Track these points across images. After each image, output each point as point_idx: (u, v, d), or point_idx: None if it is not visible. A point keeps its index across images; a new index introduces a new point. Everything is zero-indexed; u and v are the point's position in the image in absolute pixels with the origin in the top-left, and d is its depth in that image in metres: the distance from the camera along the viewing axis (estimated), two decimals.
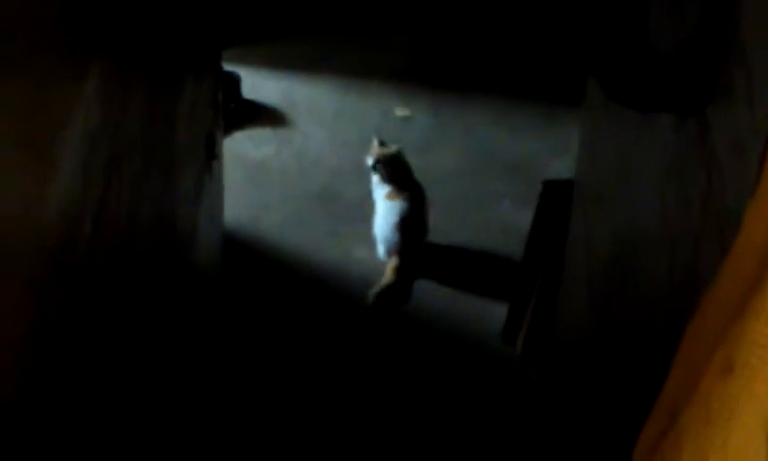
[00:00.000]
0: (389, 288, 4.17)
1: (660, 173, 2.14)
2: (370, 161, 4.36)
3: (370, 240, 4.33)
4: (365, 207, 4.42)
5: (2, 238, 1.30)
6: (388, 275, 4.20)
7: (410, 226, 4.25)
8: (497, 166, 4.89)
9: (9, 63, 1.29)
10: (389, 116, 5.18)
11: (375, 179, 4.37)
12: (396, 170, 4.34)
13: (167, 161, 2.54)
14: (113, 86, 1.86)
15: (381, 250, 4.30)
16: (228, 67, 5.11)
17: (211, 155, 3.31)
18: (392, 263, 4.23)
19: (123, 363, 2.12)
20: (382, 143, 4.40)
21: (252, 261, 4.31)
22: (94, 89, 1.68)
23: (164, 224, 2.55)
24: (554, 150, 4.87)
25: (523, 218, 3.78)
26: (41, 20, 1.41)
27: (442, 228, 4.43)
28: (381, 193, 4.34)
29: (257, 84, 5.30)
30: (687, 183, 1.87)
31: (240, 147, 4.92)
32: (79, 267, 1.68)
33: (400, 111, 5.21)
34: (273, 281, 4.22)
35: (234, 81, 5.12)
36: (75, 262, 1.65)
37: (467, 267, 4.33)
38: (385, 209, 4.29)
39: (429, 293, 4.22)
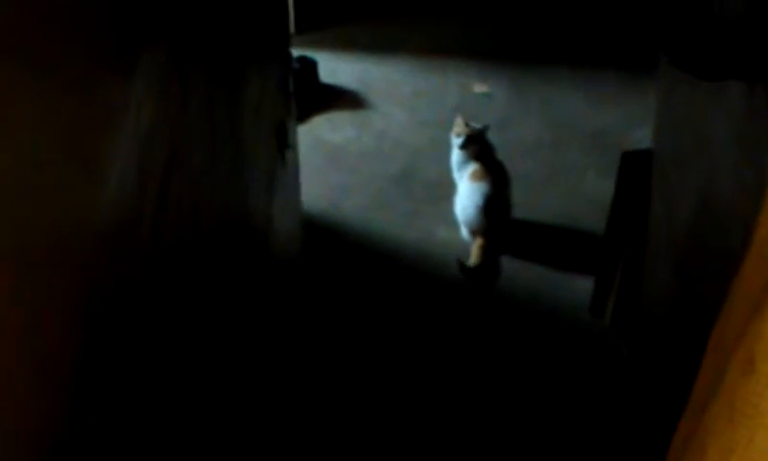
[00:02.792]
0: (477, 268, 4.14)
1: (732, 140, 2.09)
2: (456, 139, 4.32)
3: (452, 220, 4.30)
4: (446, 186, 4.39)
5: (53, 249, 1.29)
6: (475, 255, 4.16)
7: (494, 206, 4.21)
8: (579, 138, 4.84)
9: (50, 62, 1.27)
10: (467, 93, 5.14)
11: (458, 157, 4.33)
12: (481, 148, 4.31)
13: (235, 153, 2.52)
14: (169, 81, 1.84)
15: (465, 231, 4.27)
16: (304, 52, 5.12)
17: (283, 143, 3.30)
18: (478, 243, 4.19)
19: (198, 365, 2.11)
20: (466, 121, 4.36)
21: (335, 244, 4.30)
22: (146, 86, 1.66)
23: (235, 217, 2.54)
24: (636, 118, 4.80)
25: (607, 189, 3.73)
26: (83, 16, 1.40)
27: (525, 202, 4.39)
28: (465, 173, 4.30)
29: (334, 68, 5.29)
30: (758, 149, 1.82)
31: (319, 131, 4.91)
32: (140, 271, 1.67)
33: (479, 88, 5.17)
34: (356, 264, 4.21)
35: (311, 66, 5.12)
36: (135, 266, 1.64)
37: (551, 241, 4.29)
38: (469, 190, 4.25)
39: (515, 269, 4.18)
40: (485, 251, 4.18)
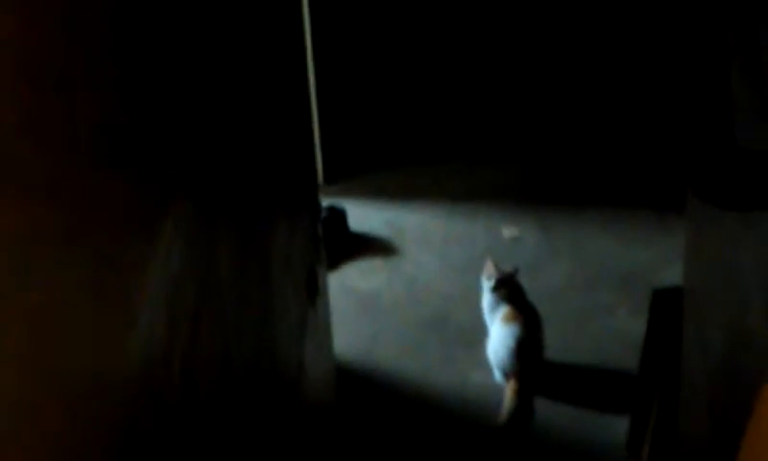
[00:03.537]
0: (513, 411, 4.11)
1: (762, 271, 2.09)
2: (486, 282, 4.32)
3: (486, 363, 4.29)
4: (478, 331, 4.39)
5: (79, 396, 1.29)
6: (510, 399, 4.14)
7: (527, 349, 4.20)
8: (609, 278, 4.83)
9: (80, 205, 1.29)
10: (497, 237, 5.16)
11: (489, 300, 4.33)
12: (512, 290, 4.31)
13: (264, 300, 2.54)
14: (198, 228, 1.86)
15: (498, 374, 4.26)
16: (333, 201, 5.16)
17: (314, 290, 3.31)
18: (512, 386, 4.17)
19: None
20: (496, 264, 4.36)
21: (369, 392, 4.28)
22: (174, 232, 1.68)
23: (265, 364, 2.54)
24: (666, 258, 4.80)
25: (639, 328, 3.71)
26: (114, 160, 1.42)
27: (557, 344, 4.37)
28: (496, 315, 4.30)
29: (364, 216, 5.33)
30: None
31: (350, 279, 4.93)
32: (168, 420, 1.67)
33: (508, 232, 5.19)
34: (391, 411, 4.19)
35: (340, 214, 5.16)
36: (164, 415, 1.64)
37: (585, 382, 4.26)
38: (501, 333, 4.25)
39: (549, 411, 4.15)
40: (519, 394, 4.15)
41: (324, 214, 4.71)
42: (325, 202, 5.02)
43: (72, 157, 1.27)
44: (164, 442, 1.64)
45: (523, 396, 4.16)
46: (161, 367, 1.61)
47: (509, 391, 4.17)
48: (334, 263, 4.92)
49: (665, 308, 3.41)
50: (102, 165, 1.37)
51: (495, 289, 4.29)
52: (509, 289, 4.30)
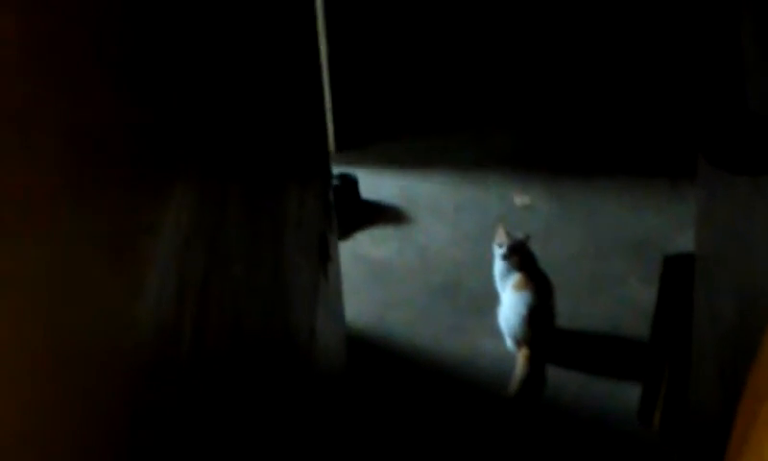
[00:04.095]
0: (525, 379, 4.12)
1: None
2: (498, 250, 4.31)
3: (497, 332, 4.29)
4: (490, 299, 4.39)
5: (89, 360, 1.30)
6: (521, 366, 4.14)
7: (538, 316, 4.20)
8: (622, 246, 4.83)
9: (88, 171, 1.29)
10: (509, 205, 5.16)
11: (501, 268, 4.33)
12: (523, 258, 4.30)
13: (276, 266, 2.54)
14: (207, 194, 1.86)
15: (509, 341, 4.26)
16: (345, 170, 5.16)
17: (325, 256, 3.31)
18: (523, 354, 4.18)
19: None
20: (508, 231, 4.36)
21: (380, 359, 4.29)
22: (183, 197, 1.68)
23: (276, 328, 2.54)
24: (679, 225, 4.79)
25: (651, 296, 3.71)
26: (123, 124, 1.42)
27: (569, 311, 4.37)
28: (508, 283, 4.29)
29: (375, 184, 5.33)
30: None
31: (362, 247, 4.93)
32: (178, 383, 1.67)
33: (520, 200, 5.19)
34: (402, 378, 4.20)
35: (352, 183, 5.16)
36: (174, 378, 1.64)
37: (596, 350, 4.26)
38: (512, 301, 4.25)
39: (560, 379, 4.16)
40: (531, 362, 4.16)
41: (335, 182, 4.71)
42: (337, 170, 5.01)
43: (81, 119, 1.27)
44: (175, 408, 1.64)
45: (535, 363, 4.17)
46: (171, 332, 1.61)
47: (521, 358, 4.18)
48: (346, 231, 4.92)
49: (677, 275, 3.41)
50: (110, 128, 1.37)
51: (507, 257, 4.28)
52: (520, 257, 4.29)
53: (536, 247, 4.38)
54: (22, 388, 1.09)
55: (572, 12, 5.90)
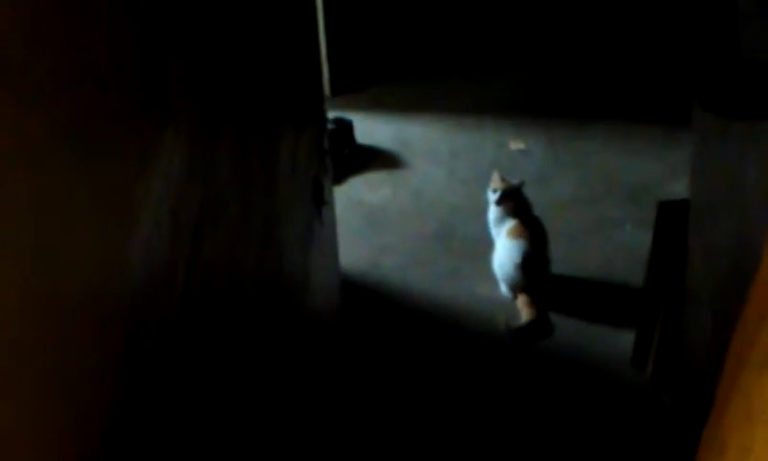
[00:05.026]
0: (530, 324, 4.12)
1: (765, 181, 2.08)
2: (492, 195, 4.31)
3: (492, 276, 4.30)
4: (484, 243, 4.39)
5: (84, 298, 1.30)
6: (526, 313, 4.14)
7: (532, 262, 4.20)
8: (616, 192, 4.83)
9: (82, 113, 1.29)
10: (504, 150, 5.15)
11: (495, 213, 4.32)
12: (518, 204, 4.30)
13: (269, 209, 2.54)
14: (200, 134, 1.86)
15: (504, 287, 4.26)
16: (340, 113, 5.15)
17: (319, 200, 3.31)
18: (524, 300, 4.18)
19: (232, 422, 2.11)
20: (503, 177, 4.35)
21: (375, 304, 4.30)
22: (176, 137, 1.67)
23: (270, 271, 2.54)
24: (674, 171, 4.79)
25: (645, 242, 3.71)
26: (115, 68, 1.41)
27: (563, 258, 4.37)
28: (502, 229, 4.29)
29: (371, 129, 5.32)
30: None
31: (357, 192, 4.93)
32: (175, 321, 1.67)
33: (515, 145, 5.18)
34: (396, 322, 4.21)
35: (347, 126, 5.15)
36: (170, 316, 1.64)
37: (591, 296, 4.27)
38: (507, 246, 4.24)
39: (555, 324, 4.16)
40: (535, 306, 4.15)
41: (330, 126, 4.70)
42: (332, 114, 5.00)
43: (75, 59, 1.26)
44: (168, 349, 1.65)
45: (540, 308, 4.16)
46: (165, 273, 1.62)
47: (522, 304, 4.17)
48: (341, 176, 4.92)
49: (671, 221, 3.41)
50: (104, 74, 1.37)
51: (500, 202, 4.28)
52: (515, 202, 4.28)
53: (530, 192, 4.37)
54: (12, 329, 1.09)
55: None
